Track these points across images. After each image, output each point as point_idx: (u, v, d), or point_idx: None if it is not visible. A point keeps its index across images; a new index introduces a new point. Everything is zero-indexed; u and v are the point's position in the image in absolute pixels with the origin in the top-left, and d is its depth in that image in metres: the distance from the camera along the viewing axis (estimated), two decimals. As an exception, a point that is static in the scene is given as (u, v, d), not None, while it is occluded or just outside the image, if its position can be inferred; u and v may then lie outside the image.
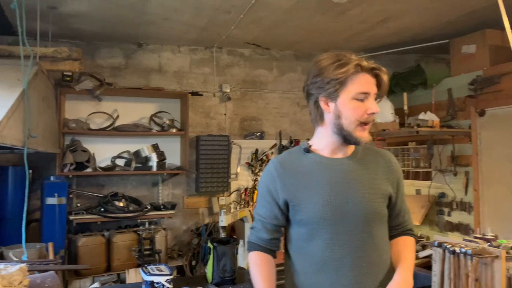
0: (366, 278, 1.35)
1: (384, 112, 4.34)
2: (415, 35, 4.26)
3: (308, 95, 1.43)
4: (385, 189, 1.43)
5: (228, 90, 4.48)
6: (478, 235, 2.36)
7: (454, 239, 2.40)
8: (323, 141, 1.44)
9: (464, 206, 4.04)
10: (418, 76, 4.40)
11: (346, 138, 1.39)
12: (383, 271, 1.40)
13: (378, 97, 1.39)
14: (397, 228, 1.50)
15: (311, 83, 1.39)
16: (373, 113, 1.35)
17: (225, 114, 4.50)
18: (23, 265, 1.03)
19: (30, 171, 2.76)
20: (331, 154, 1.44)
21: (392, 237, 1.50)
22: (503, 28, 3.92)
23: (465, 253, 1.99)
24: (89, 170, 3.78)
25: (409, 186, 4.65)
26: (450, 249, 2.06)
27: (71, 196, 3.82)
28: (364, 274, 1.35)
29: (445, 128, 4.01)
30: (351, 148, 1.45)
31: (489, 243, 2.12)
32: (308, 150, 1.45)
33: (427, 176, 4.30)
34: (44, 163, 3.75)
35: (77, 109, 3.93)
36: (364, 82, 1.33)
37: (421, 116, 4.14)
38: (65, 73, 3.28)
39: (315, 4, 3.24)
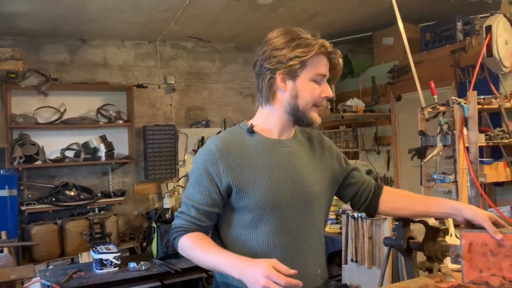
0: (310, 261, 1.34)
1: (317, 99, 4.78)
2: (344, 28, 4.67)
3: (261, 69, 1.31)
4: (328, 169, 1.42)
5: (173, 82, 4.73)
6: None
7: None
8: (271, 121, 1.35)
9: (387, 181, 4.59)
10: (346, 66, 4.83)
11: (299, 119, 1.32)
12: (322, 253, 1.41)
13: (331, 80, 1.34)
14: (370, 185, 1.50)
15: (268, 57, 1.28)
16: (327, 97, 1.32)
17: (170, 105, 4.77)
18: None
19: (-20, 165, 2.95)
20: (278, 135, 1.35)
21: (377, 196, 1.49)
22: (416, 23, 4.45)
23: (361, 217, 2.43)
24: (38, 162, 3.95)
25: (342, 165, 5.15)
26: (351, 214, 2.50)
27: (22, 188, 3.99)
28: (309, 258, 1.33)
29: (368, 112, 4.51)
30: (292, 130, 1.39)
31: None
32: (252, 130, 1.34)
33: (356, 156, 4.81)
34: (-7, 158, 3.89)
35: (24, 105, 4.07)
36: (322, 64, 1.28)
37: (349, 102, 4.61)
38: (9, 72, 3.42)
39: (245, 4, 3.57)
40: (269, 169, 1.29)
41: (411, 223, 1.67)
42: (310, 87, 1.29)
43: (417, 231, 1.66)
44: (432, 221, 1.58)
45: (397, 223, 1.69)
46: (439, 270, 1.48)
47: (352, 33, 4.83)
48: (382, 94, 4.59)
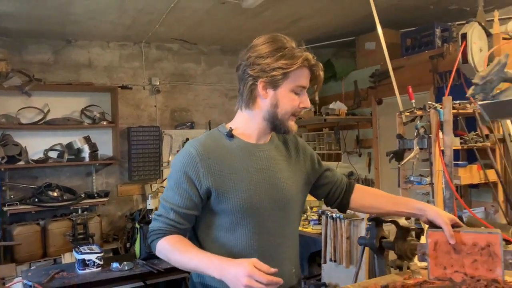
0: (286, 261, 1.37)
1: (300, 102, 4.86)
2: (327, 32, 4.76)
3: (243, 74, 1.33)
4: (302, 171, 1.47)
5: (158, 83, 4.76)
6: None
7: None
8: (250, 126, 1.38)
9: (368, 182, 4.68)
10: (329, 69, 4.95)
11: (276, 127, 1.37)
12: (297, 252, 1.45)
13: (312, 88, 1.39)
14: (342, 183, 1.57)
15: (252, 64, 1.30)
16: (305, 108, 1.37)
17: (155, 106, 4.79)
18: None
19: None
20: (256, 139, 1.38)
21: (348, 193, 1.56)
22: (398, 28, 4.56)
23: (339, 218, 2.51)
24: (21, 163, 3.94)
25: (325, 167, 5.24)
26: (330, 215, 2.57)
27: (4, 188, 3.96)
28: (285, 258, 1.37)
29: (350, 115, 4.60)
30: (270, 134, 1.43)
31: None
32: (231, 134, 1.37)
33: (338, 158, 4.90)
34: (-25, 158, 3.86)
35: (6, 105, 4.05)
36: (304, 76, 1.32)
37: (332, 105, 4.70)
38: (-9, 72, 3.42)
39: (229, 8, 3.62)
40: (248, 173, 1.32)
41: (384, 224, 1.75)
42: (290, 98, 1.32)
43: (391, 231, 1.74)
44: (402, 221, 1.66)
45: (370, 223, 1.77)
46: (409, 268, 1.56)
47: (336, 37, 4.93)
48: (364, 97, 4.68)
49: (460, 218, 3.05)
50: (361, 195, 1.58)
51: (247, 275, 1.09)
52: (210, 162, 1.30)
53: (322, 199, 1.62)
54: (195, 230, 1.38)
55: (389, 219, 1.72)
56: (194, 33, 4.48)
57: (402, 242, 1.59)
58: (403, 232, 1.61)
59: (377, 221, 1.73)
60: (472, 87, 0.99)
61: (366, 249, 2.35)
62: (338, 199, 1.57)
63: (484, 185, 3.29)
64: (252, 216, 1.31)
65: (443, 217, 1.36)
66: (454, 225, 1.36)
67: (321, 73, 1.36)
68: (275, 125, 1.36)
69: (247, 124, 1.39)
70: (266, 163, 1.37)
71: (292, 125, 1.37)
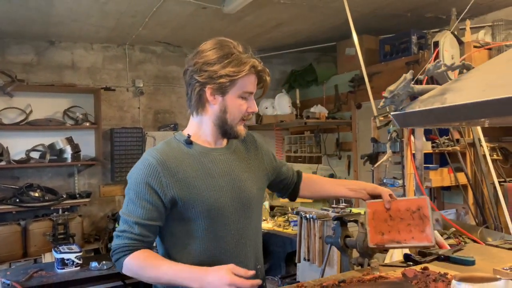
0: (251, 259, 1.40)
1: (282, 105, 4.96)
2: (309, 37, 4.86)
3: (191, 79, 1.33)
4: (262, 169, 1.51)
5: (141, 85, 4.80)
6: (334, 205, 3.01)
7: (314, 208, 3.02)
8: (205, 131, 1.39)
9: (348, 185, 4.78)
10: (311, 74, 5.06)
11: (226, 132, 1.38)
12: (260, 249, 1.49)
13: (257, 95, 1.43)
14: (293, 175, 1.68)
15: (199, 70, 1.30)
16: (253, 112, 1.39)
17: (138, 108, 4.84)
18: None
19: None
20: (214, 144, 1.40)
21: (298, 183, 1.68)
22: (376, 34, 4.68)
23: (312, 218, 2.59)
24: (2, 163, 3.95)
25: (307, 169, 5.34)
26: (304, 215, 2.66)
27: (-16, 188, 3.97)
28: (250, 257, 1.40)
29: (330, 119, 4.70)
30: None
31: (340, 210, 2.75)
32: (190, 141, 1.37)
33: (319, 160, 5.00)
34: (-45, 158, 3.86)
35: (-12, 105, 4.06)
36: (251, 82, 1.34)
37: (313, 109, 4.80)
38: (-27, 72, 3.43)
39: (211, 13, 3.69)
40: (211, 178, 1.33)
41: (348, 223, 1.84)
42: (238, 103, 1.34)
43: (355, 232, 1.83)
44: (362, 220, 1.75)
45: (335, 222, 1.85)
46: (369, 265, 1.65)
47: (318, 42, 5.03)
48: (344, 102, 4.80)
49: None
50: (308, 183, 1.70)
51: (227, 284, 1.12)
52: (172, 171, 1.29)
53: (275, 192, 1.73)
54: (161, 240, 1.37)
55: (352, 219, 1.81)
56: (177, 36, 4.54)
57: (363, 241, 1.68)
58: (364, 231, 1.70)
59: (341, 220, 1.82)
60: (383, 99, 1.09)
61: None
62: (290, 189, 1.69)
63: (455, 188, 3.42)
64: (218, 221, 1.32)
65: (381, 188, 1.55)
66: (390, 196, 1.53)
67: (268, 79, 1.38)
68: (225, 130, 1.37)
69: (201, 129, 1.39)
70: (227, 166, 1.38)
71: (241, 129, 1.39)
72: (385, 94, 1.08)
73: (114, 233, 1.32)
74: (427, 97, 1.03)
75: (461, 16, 3.17)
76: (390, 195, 1.54)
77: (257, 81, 1.37)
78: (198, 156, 1.36)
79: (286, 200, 5.17)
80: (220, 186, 1.34)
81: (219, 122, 1.36)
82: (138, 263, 1.25)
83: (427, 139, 3.29)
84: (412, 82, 1.10)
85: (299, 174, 1.71)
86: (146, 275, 1.25)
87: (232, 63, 1.29)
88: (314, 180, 1.74)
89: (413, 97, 1.12)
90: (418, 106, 1.02)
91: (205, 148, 1.38)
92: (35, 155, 4.20)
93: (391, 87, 1.08)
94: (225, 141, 1.45)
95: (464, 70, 1.20)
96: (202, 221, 1.31)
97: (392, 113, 1.10)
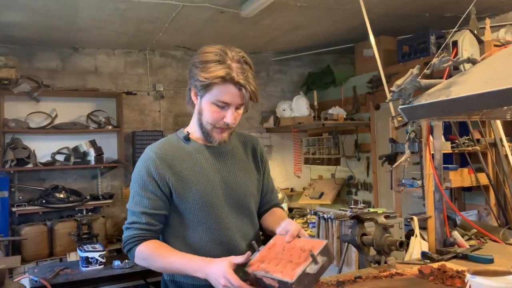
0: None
1: (300, 107, 4.98)
2: (326, 39, 4.88)
3: (188, 76, 1.42)
4: (255, 172, 1.55)
5: (162, 89, 4.91)
6: (353, 206, 3.02)
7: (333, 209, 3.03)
8: (196, 128, 1.45)
9: (367, 186, 4.77)
10: (328, 75, 5.07)
11: (204, 134, 1.43)
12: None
13: (244, 108, 1.41)
14: (268, 203, 1.63)
15: (190, 69, 1.39)
16: (226, 123, 1.38)
17: (159, 111, 4.94)
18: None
19: (-27, 167, 3.09)
20: (209, 141, 1.45)
21: (264, 212, 1.61)
22: (394, 35, 4.66)
23: (330, 218, 2.61)
24: (29, 165, 4.10)
25: (325, 171, 5.34)
26: (321, 215, 2.67)
27: (13, 190, 4.12)
28: (245, 252, 1.35)
29: (349, 120, 4.70)
30: None
31: (359, 210, 2.76)
32: (188, 138, 1.45)
33: (337, 162, 5.00)
34: (-15, 161, 4.03)
35: (16, 110, 4.22)
36: (226, 93, 1.33)
37: (331, 110, 4.81)
38: (2, 79, 3.58)
39: (229, 17, 3.76)
40: (204, 173, 1.40)
41: (365, 222, 1.86)
42: (211, 109, 1.36)
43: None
44: (381, 219, 1.76)
45: (352, 221, 1.87)
46: (386, 262, 1.66)
47: (335, 44, 5.04)
48: (362, 103, 4.78)
49: (454, 221, 3.14)
50: (266, 218, 1.60)
51: (223, 276, 1.17)
52: (170, 164, 1.38)
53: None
54: (164, 233, 1.44)
55: (368, 217, 1.82)
56: (196, 41, 4.62)
57: (379, 239, 1.69)
58: (380, 229, 1.71)
59: (358, 219, 1.84)
60: (390, 93, 1.11)
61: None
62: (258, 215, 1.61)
63: (477, 188, 3.37)
64: (210, 214, 1.39)
65: (293, 224, 1.35)
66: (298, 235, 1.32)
67: (248, 95, 1.34)
68: (203, 131, 1.43)
69: (195, 127, 1.45)
70: (223, 163, 1.45)
71: (217, 136, 1.41)
72: (392, 88, 1.11)
73: (124, 226, 1.40)
74: (433, 91, 1.05)
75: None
76: (299, 233, 1.33)
77: (240, 94, 1.34)
78: (194, 152, 1.43)
79: (306, 201, 5.18)
80: (212, 181, 1.41)
81: (199, 122, 1.42)
82: (148, 253, 1.33)
83: (447, 139, 3.26)
84: (420, 77, 1.12)
85: (271, 206, 1.63)
86: (155, 265, 1.33)
87: (206, 69, 1.33)
88: (270, 216, 1.61)
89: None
90: (424, 99, 1.05)
91: (201, 145, 1.46)
92: (60, 157, 4.35)
93: (398, 82, 1.11)
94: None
95: (470, 64, 1.22)
96: (194, 213, 1.39)
97: (399, 107, 1.12)
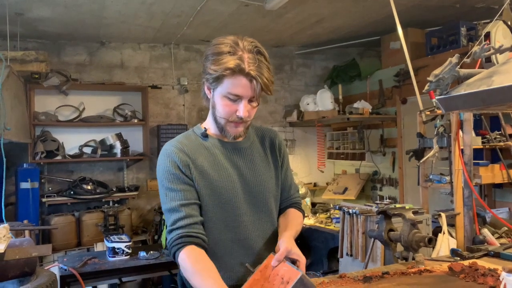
0: (264, 254, 1.36)
1: (324, 101, 4.92)
2: (351, 32, 4.79)
3: (202, 70, 1.37)
4: (274, 169, 1.50)
5: (186, 83, 4.94)
6: (378, 201, 2.97)
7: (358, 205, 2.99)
8: (213, 124, 1.41)
9: (392, 182, 4.69)
10: (354, 69, 4.98)
11: (219, 129, 1.39)
12: (275, 244, 1.40)
13: (256, 100, 1.34)
14: (285, 201, 1.55)
15: (203, 62, 1.35)
16: (239, 117, 1.33)
17: (183, 105, 4.98)
18: (6, 224, 1.48)
19: (5, 159, 3.19)
20: (224, 136, 1.41)
21: (280, 210, 1.54)
22: (422, 27, 4.54)
23: (355, 213, 2.57)
24: (58, 157, 4.21)
25: (350, 166, 5.28)
26: (346, 211, 2.64)
27: (43, 181, 4.25)
28: (264, 250, 1.39)
29: (374, 114, 4.62)
30: None
31: (384, 205, 2.71)
32: (206, 134, 1.42)
33: (362, 157, 4.93)
34: (17, 152, 4.16)
35: (46, 103, 4.34)
36: (237, 85, 1.28)
37: (356, 104, 4.73)
38: (33, 73, 3.68)
39: (253, 10, 3.74)
40: (224, 170, 1.37)
41: (393, 217, 1.82)
42: (223, 103, 1.32)
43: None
44: (409, 215, 1.72)
45: (379, 216, 1.84)
46: (414, 259, 1.63)
47: (360, 37, 4.95)
48: (388, 97, 4.69)
49: (484, 218, 3.05)
50: (279, 220, 1.52)
51: None
52: (191, 157, 1.36)
53: None
54: None
55: (396, 213, 1.79)
56: (220, 35, 4.52)
57: (407, 235, 1.66)
58: (408, 225, 1.67)
59: (385, 214, 1.80)
60: (428, 83, 1.07)
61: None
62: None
63: (508, 185, 3.26)
64: (229, 211, 1.36)
65: (287, 244, 1.29)
66: (292, 259, 1.28)
67: (259, 86, 1.28)
68: (217, 126, 1.38)
69: (211, 122, 1.41)
70: (242, 159, 1.42)
71: (232, 131, 1.37)
72: (429, 78, 1.07)
73: (166, 231, 1.36)
74: (473, 81, 1.01)
75: None
76: (292, 258, 1.28)
77: (252, 86, 1.28)
78: (212, 148, 1.40)
79: (329, 196, 5.13)
80: (232, 178, 1.38)
81: (213, 117, 1.39)
82: (188, 266, 1.27)
83: (477, 134, 3.17)
84: (458, 66, 1.08)
85: (291, 204, 1.56)
86: (191, 280, 1.27)
87: (216, 61, 1.28)
88: (283, 218, 1.53)
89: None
90: (463, 89, 1.00)
91: (219, 141, 1.42)
92: (87, 150, 4.45)
93: (436, 71, 1.07)
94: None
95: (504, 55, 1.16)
96: (214, 211, 1.35)
97: (436, 97, 1.08)
